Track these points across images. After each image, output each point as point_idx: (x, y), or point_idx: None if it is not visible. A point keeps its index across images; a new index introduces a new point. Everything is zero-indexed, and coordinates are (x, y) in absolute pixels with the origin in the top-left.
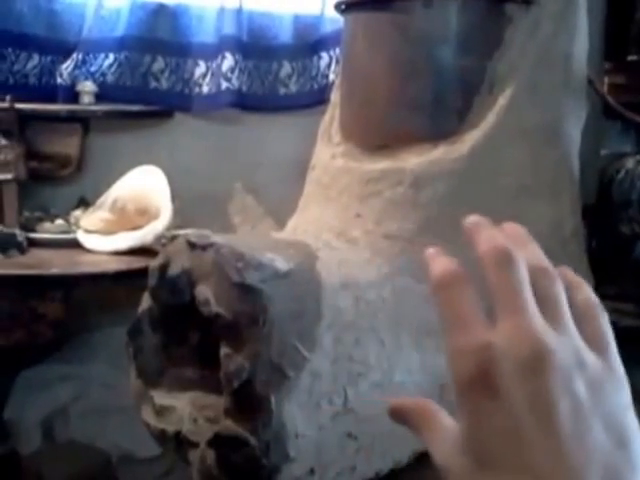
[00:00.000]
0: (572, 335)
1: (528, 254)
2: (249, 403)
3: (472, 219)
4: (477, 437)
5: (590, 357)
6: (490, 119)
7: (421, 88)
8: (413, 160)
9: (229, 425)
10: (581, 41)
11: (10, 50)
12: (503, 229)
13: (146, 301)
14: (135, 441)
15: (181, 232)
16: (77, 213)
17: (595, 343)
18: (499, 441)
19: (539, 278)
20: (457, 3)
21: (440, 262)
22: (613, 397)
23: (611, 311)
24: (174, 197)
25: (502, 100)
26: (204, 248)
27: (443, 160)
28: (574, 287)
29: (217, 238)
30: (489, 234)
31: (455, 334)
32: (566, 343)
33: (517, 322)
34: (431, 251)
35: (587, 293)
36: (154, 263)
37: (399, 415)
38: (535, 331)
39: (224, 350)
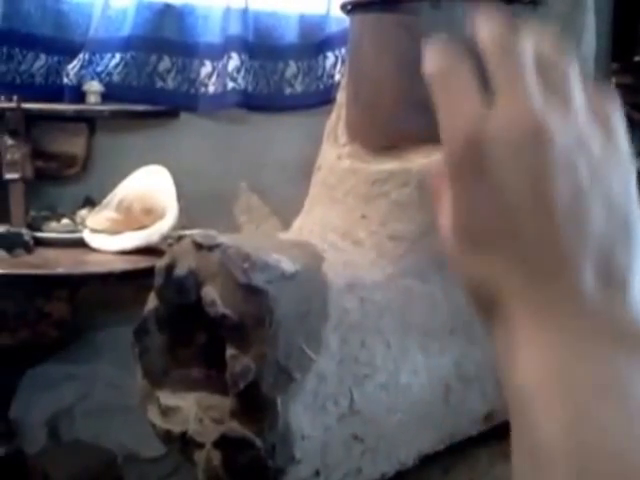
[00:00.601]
0: (577, 117)
1: (536, 42)
2: (255, 404)
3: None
4: (465, 218)
5: (595, 140)
6: None
7: (428, 89)
8: (419, 161)
9: (235, 426)
10: (588, 41)
11: (17, 50)
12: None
13: (152, 301)
14: (140, 441)
15: (187, 232)
16: (83, 212)
17: (602, 127)
18: (488, 222)
19: (548, 65)
20: (464, 4)
21: (435, 52)
22: (617, 180)
23: None
24: (179, 197)
25: None
26: (210, 249)
27: None
28: (585, 79)
29: (223, 239)
30: (493, 23)
31: (448, 113)
32: (569, 124)
33: (515, 101)
34: (428, 44)
35: (597, 87)
36: (160, 263)
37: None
38: (534, 110)
39: (230, 351)
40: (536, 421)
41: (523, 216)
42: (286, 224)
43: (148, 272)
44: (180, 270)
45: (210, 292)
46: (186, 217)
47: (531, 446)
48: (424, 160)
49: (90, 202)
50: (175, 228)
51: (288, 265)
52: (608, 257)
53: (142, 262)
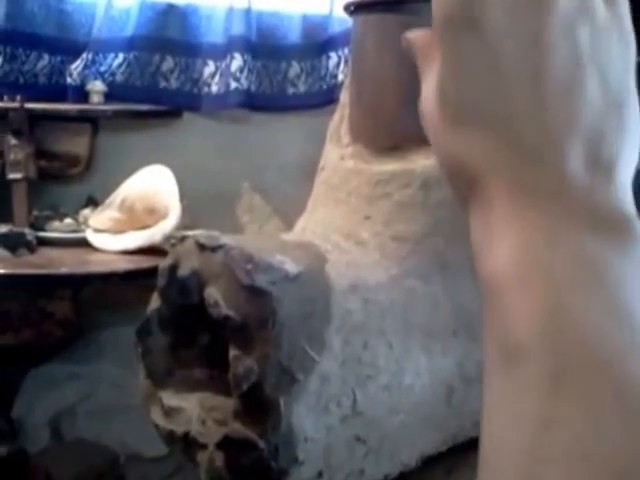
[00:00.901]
0: None
1: None
2: (258, 406)
3: None
4: (452, 83)
5: (600, 10)
6: None
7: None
8: (422, 162)
9: (238, 428)
10: None
11: (20, 50)
12: None
13: (155, 301)
14: (143, 440)
15: (190, 232)
16: (86, 212)
17: None
18: (475, 89)
19: None
20: None
21: None
22: (617, 52)
23: None
24: (182, 196)
25: None
26: (213, 249)
27: None
28: None
29: (227, 239)
30: None
31: None
32: None
33: None
34: None
35: None
36: (164, 263)
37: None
38: None
39: (233, 352)
40: (510, 308)
41: (513, 86)
42: (289, 224)
43: (151, 272)
44: (183, 271)
45: (213, 293)
46: (189, 217)
47: (504, 336)
48: (427, 161)
49: (93, 202)
50: (178, 228)
51: (291, 266)
52: (598, 141)
53: (145, 262)
